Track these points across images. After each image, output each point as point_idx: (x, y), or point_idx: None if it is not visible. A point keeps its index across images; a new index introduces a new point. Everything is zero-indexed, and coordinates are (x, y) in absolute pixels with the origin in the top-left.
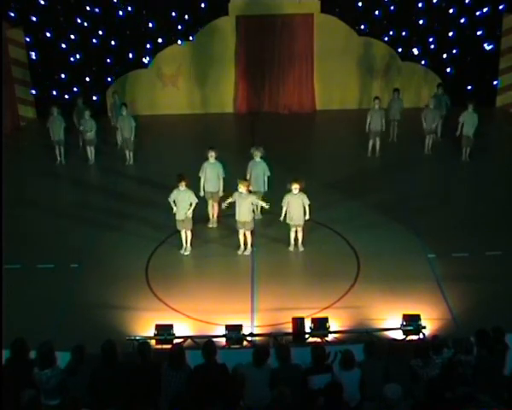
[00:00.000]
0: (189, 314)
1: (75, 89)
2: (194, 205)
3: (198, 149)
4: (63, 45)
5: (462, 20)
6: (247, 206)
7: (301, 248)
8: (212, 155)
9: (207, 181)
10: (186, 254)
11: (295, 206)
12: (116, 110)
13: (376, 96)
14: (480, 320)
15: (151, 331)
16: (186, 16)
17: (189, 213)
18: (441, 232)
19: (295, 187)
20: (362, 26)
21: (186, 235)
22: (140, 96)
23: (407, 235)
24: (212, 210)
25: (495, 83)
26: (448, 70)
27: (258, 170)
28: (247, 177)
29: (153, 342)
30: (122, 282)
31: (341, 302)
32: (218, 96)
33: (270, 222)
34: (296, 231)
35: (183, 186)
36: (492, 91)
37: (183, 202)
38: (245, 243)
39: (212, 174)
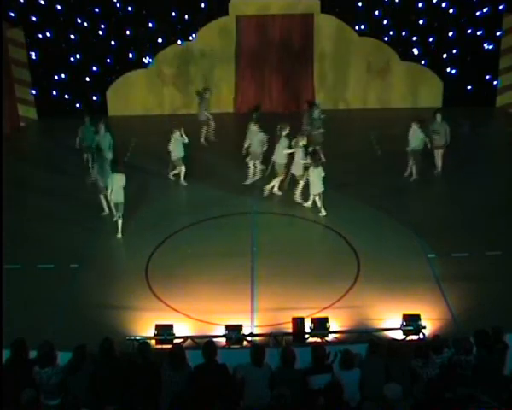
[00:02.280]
0: (189, 314)
1: (75, 89)
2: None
3: (198, 149)
4: (63, 45)
5: (462, 20)
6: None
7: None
8: None
9: None
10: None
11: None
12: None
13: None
14: (480, 320)
15: (151, 331)
16: (186, 16)
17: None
18: (441, 232)
19: None
20: (362, 26)
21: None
22: (140, 96)
23: (407, 235)
24: None
25: (495, 83)
26: (448, 70)
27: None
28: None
29: (153, 342)
30: (122, 282)
31: (341, 302)
32: (218, 95)
33: (271, 222)
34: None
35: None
36: (492, 91)
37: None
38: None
39: None
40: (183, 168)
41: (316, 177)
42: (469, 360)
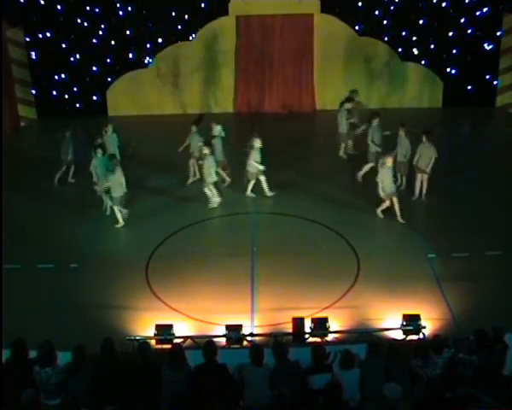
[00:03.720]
0: (189, 314)
1: (75, 89)
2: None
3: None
4: (63, 45)
5: (462, 20)
6: None
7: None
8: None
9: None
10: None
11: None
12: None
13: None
14: (480, 320)
15: (151, 331)
16: (186, 16)
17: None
18: (441, 232)
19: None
20: (362, 26)
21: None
22: (140, 96)
23: (407, 235)
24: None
25: (495, 83)
26: (448, 70)
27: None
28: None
29: (153, 342)
30: (122, 282)
31: (341, 302)
32: (218, 96)
33: (271, 222)
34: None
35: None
36: (492, 91)
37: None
38: None
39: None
40: (262, 178)
41: (209, 165)
42: (472, 359)
